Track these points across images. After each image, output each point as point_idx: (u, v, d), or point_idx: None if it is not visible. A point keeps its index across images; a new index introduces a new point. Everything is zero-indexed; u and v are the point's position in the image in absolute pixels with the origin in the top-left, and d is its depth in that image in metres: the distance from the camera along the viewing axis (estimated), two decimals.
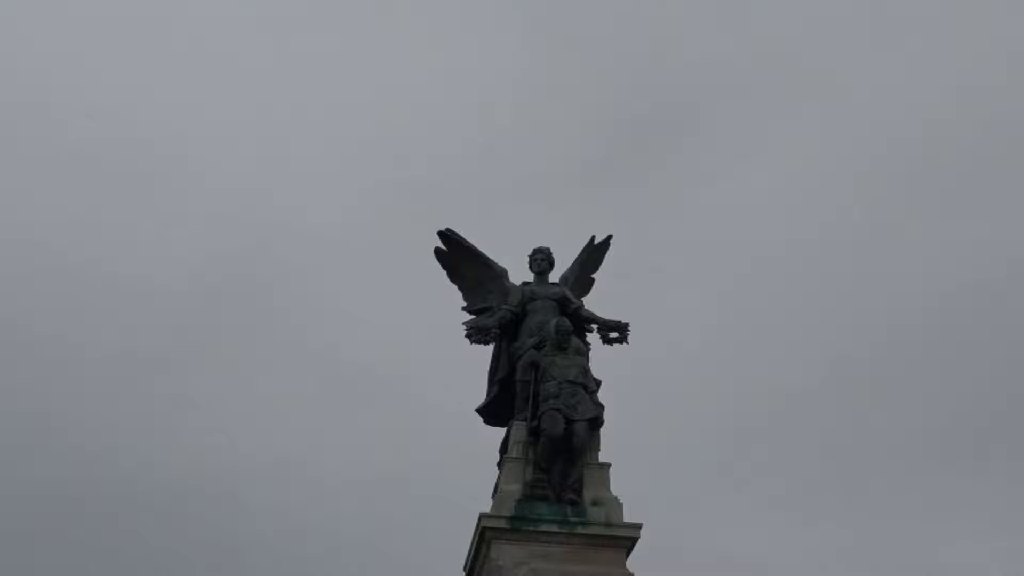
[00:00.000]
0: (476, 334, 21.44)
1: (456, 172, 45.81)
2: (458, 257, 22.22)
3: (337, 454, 40.82)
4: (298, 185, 46.52)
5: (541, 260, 22.28)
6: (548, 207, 39.90)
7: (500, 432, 21.51)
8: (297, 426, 41.90)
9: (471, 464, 23.92)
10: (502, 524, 19.44)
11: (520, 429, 20.45)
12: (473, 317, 21.92)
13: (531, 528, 19.43)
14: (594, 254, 23.04)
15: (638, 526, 19.61)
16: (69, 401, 42.22)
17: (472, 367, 22.27)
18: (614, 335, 21.81)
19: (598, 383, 20.88)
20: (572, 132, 46.30)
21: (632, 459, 21.42)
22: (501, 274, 22.23)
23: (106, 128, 45.48)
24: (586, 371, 20.74)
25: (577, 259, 22.80)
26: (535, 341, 21.08)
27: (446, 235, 22.17)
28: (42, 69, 46.35)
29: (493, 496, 20.41)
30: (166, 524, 40.61)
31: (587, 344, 21.56)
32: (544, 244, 22.60)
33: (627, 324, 21.89)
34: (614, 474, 20.26)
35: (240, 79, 48.19)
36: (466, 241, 22.21)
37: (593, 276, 23.17)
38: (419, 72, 46.96)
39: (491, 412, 21.79)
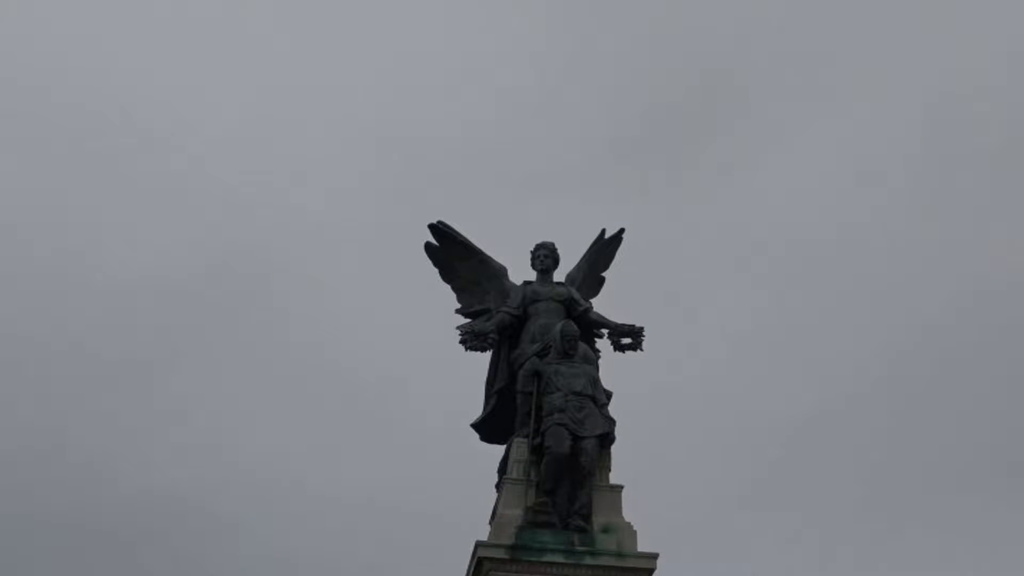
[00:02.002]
0: (472, 340, 20.73)
1: (463, 159, 45.60)
2: (451, 253, 21.51)
3: (328, 469, 40.07)
4: (294, 176, 45.76)
5: (545, 257, 21.48)
6: (558, 200, 39.15)
7: (499, 450, 20.74)
8: (288, 438, 40.87)
9: (468, 485, 23.53)
10: (501, 554, 18.67)
11: (521, 447, 19.69)
12: (469, 321, 21.21)
13: (533, 558, 18.69)
14: (604, 250, 22.19)
15: (654, 556, 18.92)
16: (42, 407, 41.65)
17: (471, 375, 21.65)
18: (627, 341, 21.10)
19: (609, 395, 20.14)
20: (593, 115, 45.64)
21: (647, 481, 21.25)
22: (500, 272, 21.49)
23: (84, 111, 44.96)
24: (595, 381, 20.01)
25: (585, 256, 22.02)
26: (538, 347, 20.37)
27: (438, 228, 21.46)
28: (23, 50, 46.00)
29: (491, 522, 19.65)
30: (143, 543, 39.79)
31: (596, 351, 20.91)
32: (549, 239, 21.78)
33: (642, 329, 21.12)
34: (627, 497, 19.60)
35: (230, 59, 47.46)
36: (460, 235, 21.48)
37: (603, 275, 22.30)
38: (427, 46, 46.38)
39: (489, 427, 21.03)
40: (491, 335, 20.67)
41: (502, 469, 20.15)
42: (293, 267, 43.63)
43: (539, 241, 21.69)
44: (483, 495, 20.75)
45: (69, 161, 44.87)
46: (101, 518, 39.33)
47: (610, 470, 19.63)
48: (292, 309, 42.84)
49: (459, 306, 21.56)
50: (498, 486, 20.17)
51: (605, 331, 21.15)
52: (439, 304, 21.84)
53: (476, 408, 21.24)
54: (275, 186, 45.11)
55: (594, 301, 21.65)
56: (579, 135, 45.30)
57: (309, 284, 42.70)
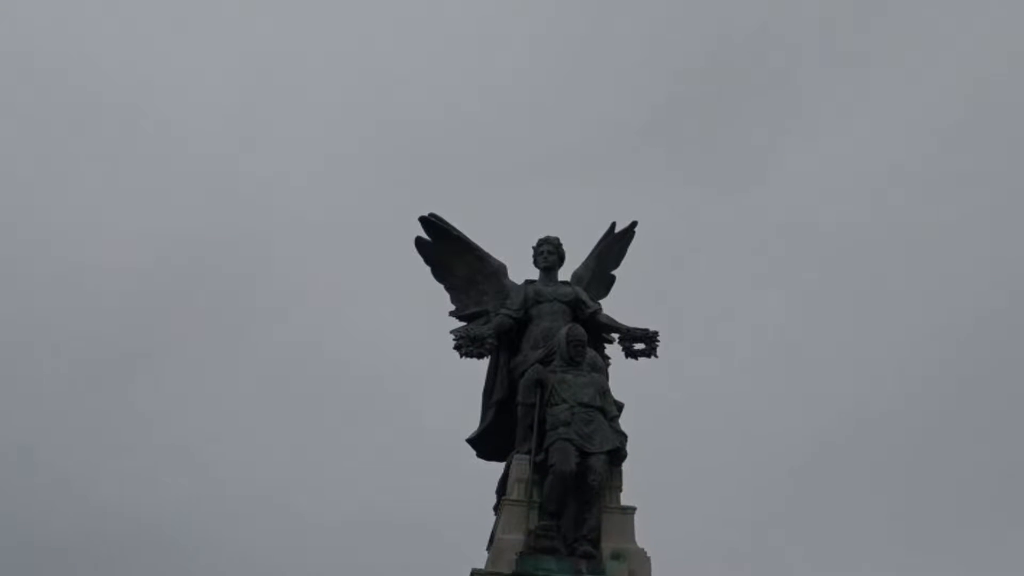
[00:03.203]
0: (468, 345, 20.04)
1: (463, 150, 45.12)
2: (445, 249, 20.87)
3: (315, 487, 39.61)
4: (283, 172, 45.39)
5: (549, 253, 20.90)
6: (557, 199, 38.49)
7: (497, 467, 20.14)
8: (271, 449, 40.28)
9: (465, 501, 23.44)
10: None
11: (522, 464, 19.00)
12: (464, 324, 20.60)
13: None
14: (615, 245, 21.64)
15: None
16: (9, 411, 40.23)
17: (467, 384, 21.06)
18: (640, 346, 20.53)
19: (620, 407, 19.62)
20: (597, 110, 45.37)
21: (663, 502, 21.11)
22: (498, 270, 20.87)
23: (66, 102, 44.67)
24: (604, 392, 19.46)
25: (593, 252, 21.50)
26: (541, 354, 19.82)
27: (430, 221, 20.78)
28: None
29: (488, 548, 19.05)
30: (115, 560, 38.78)
31: (606, 358, 20.36)
32: (554, 233, 21.18)
33: (656, 333, 20.54)
34: (640, 520, 18.95)
35: (220, 52, 47.30)
36: (455, 229, 20.81)
37: (614, 272, 21.80)
38: (426, 36, 46.90)
39: (486, 443, 20.38)
40: (489, 340, 20.02)
41: (501, 489, 19.49)
42: (281, 264, 43.41)
43: (542, 236, 21.12)
44: (481, 514, 20.14)
45: (51, 152, 44.82)
46: (72, 532, 38.62)
47: (621, 490, 18.99)
48: (277, 308, 42.56)
49: (453, 308, 20.93)
50: (496, 508, 19.47)
51: (616, 336, 20.59)
52: (432, 305, 21.20)
53: (473, 420, 20.65)
54: (264, 181, 44.91)
55: (604, 302, 21.19)
56: (581, 130, 45.38)
57: (297, 282, 42.42)
